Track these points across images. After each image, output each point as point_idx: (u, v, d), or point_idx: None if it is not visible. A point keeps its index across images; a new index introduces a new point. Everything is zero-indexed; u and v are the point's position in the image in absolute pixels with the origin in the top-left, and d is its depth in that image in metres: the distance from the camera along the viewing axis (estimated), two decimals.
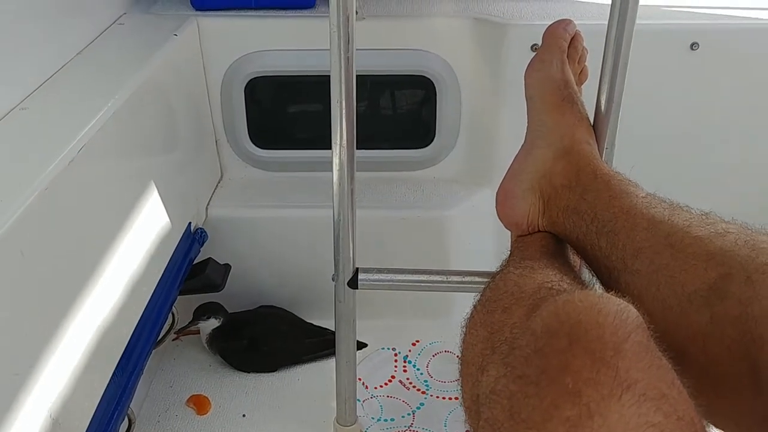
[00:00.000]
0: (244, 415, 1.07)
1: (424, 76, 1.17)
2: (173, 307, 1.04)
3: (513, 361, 0.44)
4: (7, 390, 0.58)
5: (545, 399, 0.38)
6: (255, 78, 1.18)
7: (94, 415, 0.74)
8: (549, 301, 0.44)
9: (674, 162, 1.17)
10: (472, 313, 0.61)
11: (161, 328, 0.94)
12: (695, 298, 0.52)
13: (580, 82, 0.84)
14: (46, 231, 0.65)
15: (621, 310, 0.41)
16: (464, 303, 0.70)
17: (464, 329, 0.60)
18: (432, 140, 1.23)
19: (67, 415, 0.67)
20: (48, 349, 0.65)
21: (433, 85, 1.18)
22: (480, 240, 1.20)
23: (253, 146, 1.24)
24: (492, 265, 0.74)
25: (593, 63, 0.84)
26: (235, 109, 1.20)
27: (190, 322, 1.14)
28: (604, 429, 0.36)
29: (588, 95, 0.83)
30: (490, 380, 0.47)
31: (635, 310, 0.42)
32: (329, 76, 0.78)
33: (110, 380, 0.78)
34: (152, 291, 0.91)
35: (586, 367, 0.38)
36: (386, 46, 1.16)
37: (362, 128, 0.83)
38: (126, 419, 0.94)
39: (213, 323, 1.15)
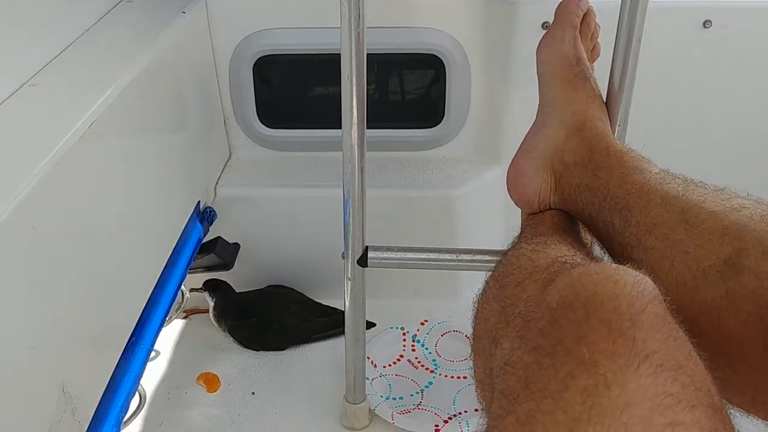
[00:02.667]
0: (253, 393, 1.08)
1: (433, 55, 1.17)
2: (182, 286, 1.04)
3: (528, 333, 0.44)
4: (22, 364, 0.59)
5: (561, 369, 0.38)
6: (263, 56, 1.17)
7: (105, 391, 0.74)
8: (564, 274, 0.44)
9: (687, 139, 1.16)
10: (484, 289, 0.60)
11: (171, 306, 0.94)
12: (710, 273, 0.52)
13: (592, 59, 0.83)
14: (58, 207, 0.65)
15: (637, 282, 0.41)
16: (472, 283, 0.70)
17: (476, 305, 0.60)
18: (441, 119, 1.22)
19: (79, 390, 0.68)
20: (59, 325, 0.66)
21: (443, 63, 1.17)
22: (489, 219, 1.20)
23: (262, 126, 1.23)
24: (501, 244, 0.73)
25: (606, 39, 0.83)
26: (244, 88, 1.19)
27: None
28: (621, 398, 0.36)
29: (600, 72, 0.82)
30: (504, 353, 0.47)
31: (651, 282, 0.42)
32: (339, 54, 0.78)
33: (121, 357, 0.79)
34: (161, 269, 0.92)
35: (603, 338, 0.38)
36: (395, 24, 1.15)
37: (371, 107, 0.82)
38: (137, 395, 0.95)
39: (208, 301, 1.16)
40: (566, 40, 0.79)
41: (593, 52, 0.83)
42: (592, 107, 0.75)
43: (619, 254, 0.63)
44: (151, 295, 0.87)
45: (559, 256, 0.55)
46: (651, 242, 0.58)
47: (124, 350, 0.79)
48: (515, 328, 0.47)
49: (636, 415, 0.35)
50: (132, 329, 0.82)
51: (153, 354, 1.11)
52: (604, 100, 0.79)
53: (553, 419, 0.36)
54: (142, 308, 0.85)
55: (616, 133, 0.79)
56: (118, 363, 0.78)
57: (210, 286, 1.17)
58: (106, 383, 0.75)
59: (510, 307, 0.52)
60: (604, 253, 0.67)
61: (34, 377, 0.61)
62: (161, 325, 0.90)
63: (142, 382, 0.86)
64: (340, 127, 0.82)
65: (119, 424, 0.76)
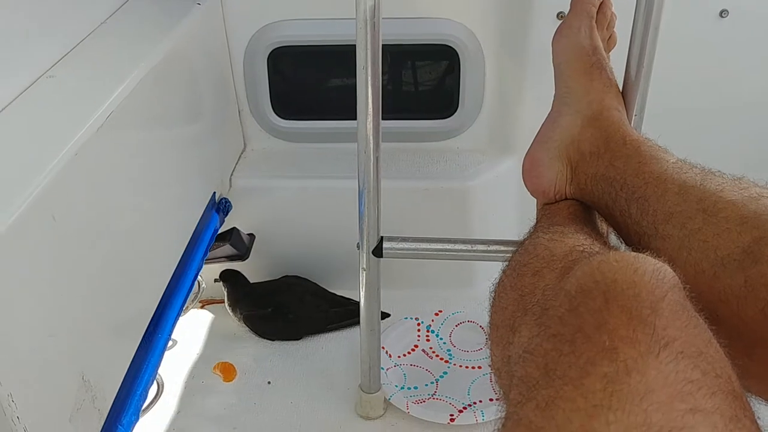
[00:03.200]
0: (269, 382, 1.08)
1: (447, 46, 1.16)
2: (199, 276, 1.05)
3: (547, 321, 0.44)
4: (43, 351, 0.59)
5: (581, 356, 0.38)
6: (278, 48, 1.17)
7: (124, 379, 0.75)
8: (583, 262, 0.44)
9: (703, 129, 1.16)
10: (501, 278, 0.61)
11: (187, 296, 0.95)
12: (729, 262, 0.52)
13: (608, 49, 0.83)
14: (77, 197, 0.66)
15: (657, 270, 0.41)
16: (487, 273, 0.70)
17: (493, 294, 0.60)
18: (455, 110, 1.22)
19: (99, 378, 0.69)
20: (79, 314, 0.66)
21: (457, 54, 1.16)
22: (503, 211, 1.20)
23: (276, 117, 1.23)
24: (516, 235, 0.73)
25: (622, 29, 0.82)
26: (258, 79, 1.20)
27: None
28: (642, 385, 0.36)
29: (616, 62, 0.82)
30: (522, 340, 0.47)
31: (671, 270, 0.42)
32: (353, 45, 0.78)
33: (139, 346, 0.79)
34: (178, 259, 0.92)
35: (623, 325, 0.38)
36: (409, 14, 1.14)
37: (385, 99, 0.82)
38: (155, 384, 0.96)
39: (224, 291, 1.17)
40: (582, 30, 0.78)
41: (609, 42, 0.83)
42: (609, 97, 0.75)
43: (636, 244, 0.63)
44: (168, 285, 0.88)
45: (576, 245, 0.55)
46: (668, 231, 0.58)
47: (142, 339, 0.80)
48: (533, 316, 0.47)
49: (657, 402, 0.35)
50: (150, 318, 0.83)
51: (170, 343, 1.12)
52: (621, 90, 0.79)
53: (573, 405, 0.36)
54: (160, 298, 0.86)
55: (632, 122, 0.79)
56: (136, 352, 0.78)
57: (225, 277, 1.17)
58: (125, 371, 0.76)
59: (528, 295, 0.52)
60: (621, 242, 0.67)
61: (54, 365, 0.62)
62: (178, 315, 0.91)
63: (159, 370, 0.87)
64: (354, 118, 0.82)
65: (138, 411, 0.77)
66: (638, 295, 0.39)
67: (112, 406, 0.72)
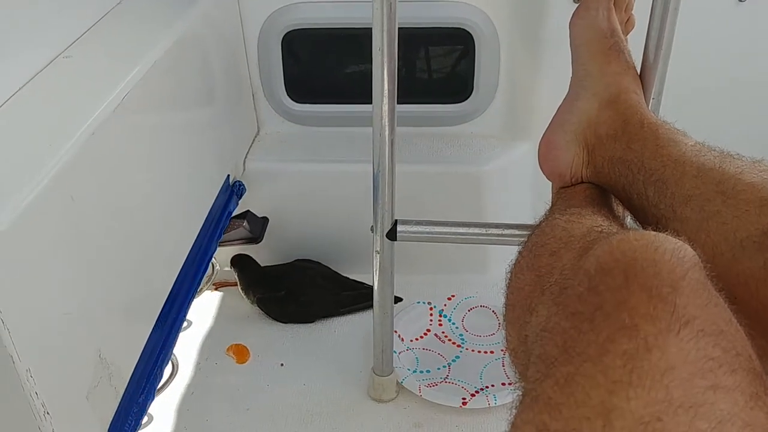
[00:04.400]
0: (282, 364, 1.09)
1: (462, 29, 1.16)
2: (213, 258, 1.05)
3: (565, 300, 0.44)
4: (60, 328, 0.60)
5: (601, 334, 0.38)
6: (292, 31, 1.17)
7: (140, 358, 0.76)
8: (602, 241, 0.44)
9: (721, 114, 1.15)
10: (517, 259, 0.60)
11: (202, 278, 0.96)
12: (748, 244, 0.52)
13: (626, 32, 0.82)
14: (93, 177, 0.66)
15: (678, 248, 0.41)
16: (500, 258, 0.70)
17: (509, 274, 0.60)
18: (470, 95, 1.21)
19: (115, 357, 0.69)
20: (96, 293, 0.67)
21: (472, 37, 1.16)
22: (517, 195, 1.20)
23: (290, 100, 1.23)
24: (529, 220, 0.73)
25: (641, 11, 0.82)
26: (272, 62, 1.19)
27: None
28: (662, 362, 0.36)
29: (635, 44, 0.81)
30: (540, 320, 0.47)
31: (691, 249, 0.42)
32: (368, 28, 0.78)
33: (154, 326, 0.80)
34: (193, 241, 0.93)
35: (643, 303, 0.38)
36: None
37: (399, 83, 0.82)
38: (170, 364, 0.96)
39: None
40: (600, 12, 0.78)
41: (627, 24, 0.82)
42: (626, 79, 0.74)
43: (654, 227, 0.62)
44: (183, 267, 0.89)
45: (594, 226, 0.55)
46: (686, 214, 0.58)
47: (157, 320, 0.81)
48: (551, 296, 0.47)
49: (677, 378, 0.35)
50: (164, 300, 0.83)
51: (185, 324, 1.12)
52: (639, 73, 0.78)
53: (593, 382, 0.36)
54: (175, 279, 0.86)
55: (650, 106, 0.78)
56: (152, 332, 0.79)
57: (235, 262, 1.18)
58: (141, 351, 0.76)
59: (545, 275, 0.52)
60: (638, 226, 0.67)
61: (71, 342, 0.62)
62: (192, 297, 0.92)
63: (174, 351, 0.87)
64: (368, 102, 0.82)
65: (153, 391, 0.78)
66: (659, 274, 0.39)
67: (127, 385, 0.72)
